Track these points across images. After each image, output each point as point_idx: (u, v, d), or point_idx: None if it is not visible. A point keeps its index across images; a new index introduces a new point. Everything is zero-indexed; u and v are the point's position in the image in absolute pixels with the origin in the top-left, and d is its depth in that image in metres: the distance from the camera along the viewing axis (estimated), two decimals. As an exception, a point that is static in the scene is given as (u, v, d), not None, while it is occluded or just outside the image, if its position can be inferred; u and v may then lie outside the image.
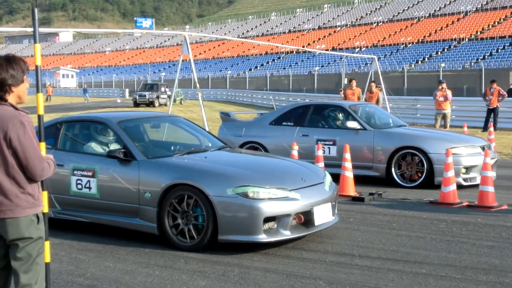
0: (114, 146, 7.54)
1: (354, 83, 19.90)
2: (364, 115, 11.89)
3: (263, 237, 6.38)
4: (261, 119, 12.77)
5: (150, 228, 6.86)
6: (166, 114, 9.98)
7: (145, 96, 47.73)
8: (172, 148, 8.06)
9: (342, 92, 20.16)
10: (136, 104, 47.55)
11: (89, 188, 7.30)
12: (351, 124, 11.45)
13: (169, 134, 8.93)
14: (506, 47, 47.61)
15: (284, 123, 12.23)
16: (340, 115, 12.00)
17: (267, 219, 6.39)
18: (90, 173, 7.30)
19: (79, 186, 7.38)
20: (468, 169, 10.56)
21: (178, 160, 7.23)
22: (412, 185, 10.66)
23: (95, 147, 7.71)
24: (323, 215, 6.87)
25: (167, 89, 49.82)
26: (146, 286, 5.53)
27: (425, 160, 10.53)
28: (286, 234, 6.50)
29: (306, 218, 6.65)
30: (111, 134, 7.71)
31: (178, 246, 6.67)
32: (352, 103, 12.72)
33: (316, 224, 6.76)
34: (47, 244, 4.04)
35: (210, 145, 8.18)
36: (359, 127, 11.40)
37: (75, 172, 7.42)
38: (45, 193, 4.07)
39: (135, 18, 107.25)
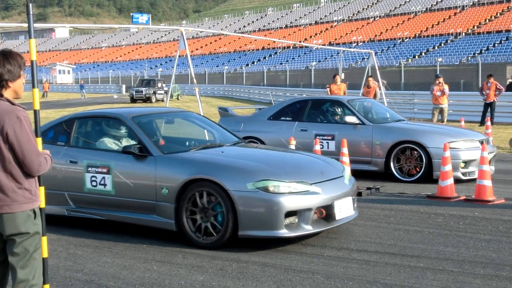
0: (128, 142, 7.45)
1: (338, 78, 19.94)
2: (362, 109, 11.88)
3: (284, 232, 6.26)
4: (259, 114, 12.75)
5: (168, 224, 6.73)
6: (179, 109, 9.84)
7: (142, 92, 47.64)
8: (187, 143, 7.98)
9: (329, 88, 20.20)
10: (133, 100, 47.45)
11: (104, 185, 7.17)
12: (350, 119, 11.44)
13: (183, 129, 8.79)
14: (503, 41, 47.62)
15: (282, 118, 12.21)
16: (339, 110, 12.00)
17: (288, 214, 6.27)
18: (105, 170, 7.17)
19: (94, 183, 7.25)
20: (467, 163, 10.55)
21: (195, 155, 7.10)
22: (411, 180, 10.66)
23: (109, 143, 7.59)
24: (344, 209, 6.79)
25: (164, 85, 49.78)
26: (144, 281, 5.53)
27: (423, 155, 10.53)
28: (308, 229, 6.40)
29: (327, 212, 6.57)
30: (125, 130, 7.59)
31: (197, 244, 6.53)
32: (351, 98, 12.69)
33: (337, 218, 6.68)
34: (44, 239, 4.03)
35: (225, 140, 8.04)
36: (357, 121, 11.39)
37: (90, 169, 7.28)
38: (42, 188, 4.06)
39: (131, 14, 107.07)
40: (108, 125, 7.82)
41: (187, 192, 6.57)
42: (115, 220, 7.24)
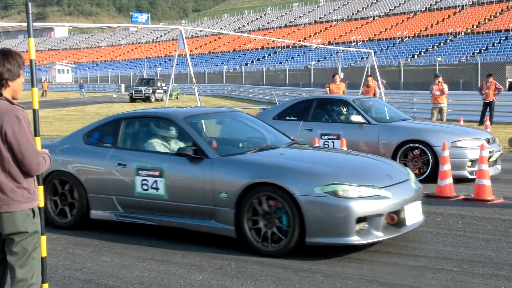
0: (180, 144, 7.06)
1: (337, 77, 19.92)
2: (367, 109, 11.77)
3: (355, 239, 5.92)
4: (264, 114, 12.57)
5: (227, 231, 6.37)
6: (228, 108, 9.31)
7: (141, 91, 47.67)
8: (240, 144, 7.50)
9: (328, 87, 20.20)
10: (133, 99, 47.51)
11: (156, 188, 6.79)
12: (355, 118, 11.35)
13: (231, 130, 8.31)
14: (502, 41, 47.62)
15: (287, 118, 12.10)
16: (344, 109, 11.91)
17: (359, 220, 5.92)
18: (157, 173, 6.79)
19: (145, 187, 6.88)
20: (473, 162, 10.41)
21: (255, 157, 6.73)
22: (418, 179, 10.60)
23: (160, 144, 7.22)
24: (414, 214, 6.45)
25: (163, 84, 49.78)
26: (143, 281, 5.53)
27: (430, 154, 10.43)
28: (379, 236, 6.04)
29: (398, 218, 6.22)
30: (176, 130, 7.21)
31: (260, 251, 6.16)
32: (356, 97, 12.61)
33: (407, 224, 6.32)
34: (43, 238, 4.03)
35: (277, 141, 7.65)
36: (363, 121, 11.31)
37: (140, 172, 6.91)
38: (41, 188, 4.06)
39: (130, 13, 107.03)
40: (157, 125, 7.43)
41: (248, 197, 6.21)
42: (168, 225, 6.88)
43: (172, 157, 6.84)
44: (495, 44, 47.36)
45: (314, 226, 5.91)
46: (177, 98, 50.38)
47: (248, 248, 6.37)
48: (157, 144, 7.22)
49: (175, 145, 7.13)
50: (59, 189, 7.59)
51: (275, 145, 7.41)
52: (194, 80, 13.24)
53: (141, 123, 7.65)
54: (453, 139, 10.26)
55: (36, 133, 4.08)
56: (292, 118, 12.11)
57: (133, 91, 48.32)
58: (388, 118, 11.89)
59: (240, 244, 6.49)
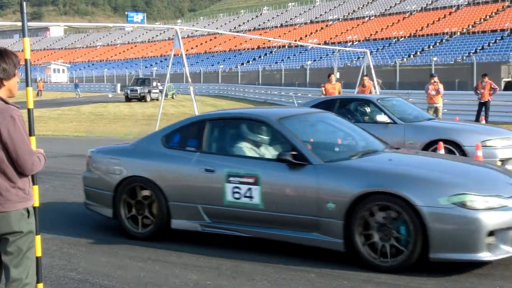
0: (275, 148, 6.55)
1: (333, 77, 19.93)
2: (392, 108, 11.49)
3: (485, 255, 5.37)
4: None
5: (335, 244, 5.81)
6: (316, 110, 8.63)
7: (136, 91, 47.58)
8: (336, 149, 6.96)
9: (323, 87, 20.20)
10: (128, 99, 47.44)
11: (250, 197, 6.20)
12: (381, 118, 11.15)
13: (318, 132, 7.50)
14: (497, 41, 47.71)
15: None
16: (368, 109, 11.71)
17: (489, 233, 5.39)
18: (251, 180, 6.20)
19: (237, 195, 6.29)
20: (504, 161, 10.19)
21: (364, 163, 6.21)
22: None
23: (251, 149, 6.66)
24: None
25: (158, 84, 49.73)
26: (139, 281, 5.52)
27: (459, 154, 10.15)
28: (509, 251, 5.47)
29: None
30: (269, 133, 6.70)
31: (374, 267, 5.63)
32: (380, 97, 12.32)
33: None
34: (38, 238, 4.02)
35: (370, 144, 7.03)
36: (388, 120, 11.11)
37: (231, 178, 6.32)
38: (36, 187, 4.05)
39: (126, 13, 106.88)
40: (248, 128, 6.88)
41: (360, 207, 5.65)
42: (263, 237, 6.28)
43: (269, 163, 6.31)
44: (491, 44, 47.45)
45: (439, 241, 5.39)
46: (172, 97, 50.34)
47: (242, 247, 6.35)
48: (248, 148, 6.67)
49: (269, 149, 6.63)
50: (135, 196, 6.99)
51: (374, 149, 6.83)
52: (189, 79, 13.23)
53: (229, 124, 7.08)
54: (482, 139, 10.03)
55: (31, 133, 4.07)
56: None
57: (129, 91, 48.22)
58: (413, 117, 11.61)
59: (233, 243, 6.47)
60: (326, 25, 75.83)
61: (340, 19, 76.02)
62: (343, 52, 55.83)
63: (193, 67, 70.18)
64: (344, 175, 5.93)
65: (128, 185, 7.00)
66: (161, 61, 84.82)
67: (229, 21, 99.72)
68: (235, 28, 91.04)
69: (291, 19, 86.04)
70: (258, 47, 76.21)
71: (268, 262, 5.99)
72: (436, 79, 18.78)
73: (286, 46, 70.61)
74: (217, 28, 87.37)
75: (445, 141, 10.31)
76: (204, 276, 5.62)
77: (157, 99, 47.90)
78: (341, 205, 5.72)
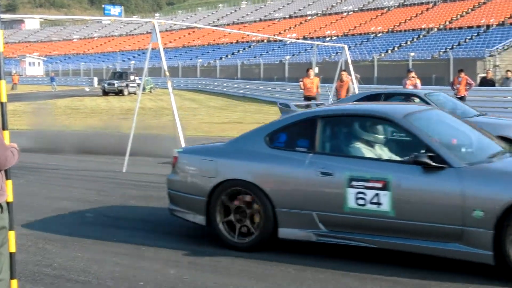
0: (404, 148, 5.92)
1: (311, 72, 20.05)
2: (439, 103, 11.03)
3: None
4: None
5: (481, 256, 5.20)
6: (426, 107, 7.81)
7: (114, 84, 47.28)
8: (467, 149, 6.13)
9: (302, 82, 20.29)
10: (105, 93, 47.11)
11: (378, 203, 5.58)
12: None
13: (442, 130, 6.59)
14: (474, 37, 48.10)
15: None
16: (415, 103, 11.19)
17: None
18: (379, 185, 5.57)
19: (361, 202, 5.65)
20: None
21: (510, 166, 5.63)
22: None
23: (374, 149, 6.09)
24: None
25: (136, 78, 49.45)
26: (115, 276, 5.47)
27: None
28: None
29: None
30: (394, 132, 6.18)
31: None
32: (427, 91, 11.81)
33: None
34: (11, 234, 3.96)
35: (490, 144, 6.34)
36: None
37: (354, 183, 5.67)
38: (9, 182, 3.99)
39: (103, 6, 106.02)
40: (368, 126, 6.30)
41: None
42: (392, 248, 5.67)
43: (399, 165, 5.66)
44: (467, 40, 47.83)
45: None
46: (150, 92, 50.08)
47: (220, 242, 6.31)
48: (370, 149, 6.09)
49: (395, 150, 6.08)
50: (233, 202, 6.27)
51: (500, 149, 6.17)
52: (167, 73, 13.10)
53: (345, 122, 6.41)
54: None
55: (4, 127, 4.00)
56: None
57: (106, 85, 47.91)
58: (461, 112, 11.05)
59: (212, 238, 6.44)
60: (305, 20, 75.94)
61: (319, 14, 76.17)
62: (322, 47, 55.94)
63: (172, 61, 69.84)
64: (492, 179, 5.35)
65: (225, 189, 6.25)
66: (139, 55, 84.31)
67: (208, 15, 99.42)
68: (213, 22, 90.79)
69: (270, 13, 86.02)
70: (237, 42, 76.09)
71: (246, 256, 5.98)
72: (413, 74, 18.87)
73: (265, 41, 70.59)
74: (195, 22, 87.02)
75: (502, 138, 10.02)
76: (182, 270, 5.59)
77: (135, 93, 47.61)
78: (490, 213, 5.13)
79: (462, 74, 22.29)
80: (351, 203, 5.69)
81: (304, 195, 5.95)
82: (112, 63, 77.34)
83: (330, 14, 74.56)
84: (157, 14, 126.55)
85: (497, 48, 40.78)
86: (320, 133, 6.14)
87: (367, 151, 6.02)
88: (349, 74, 20.46)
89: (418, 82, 18.81)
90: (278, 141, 6.36)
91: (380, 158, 5.93)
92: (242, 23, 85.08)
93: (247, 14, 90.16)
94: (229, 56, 70.73)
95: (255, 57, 64.64)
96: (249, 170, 6.21)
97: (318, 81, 20.20)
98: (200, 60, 68.72)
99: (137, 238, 6.71)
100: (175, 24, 74.66)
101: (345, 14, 71.97)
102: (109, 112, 30.81)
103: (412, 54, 42.91)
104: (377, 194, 5.58)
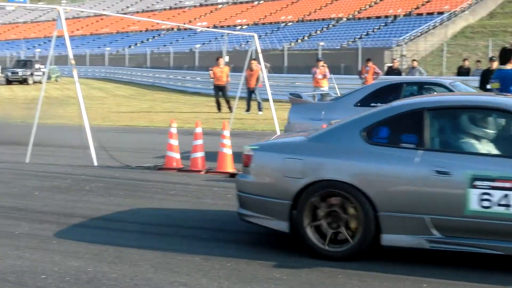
0: (491, 143, 5.47)
1: (221, 61, 20.20)
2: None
3: None
4: (343, 100, 11.24)
5: None
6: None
7: (18, 73, 45.91)
8: None
9: (211, 71, 20.38)
10: (9, 82, 45.57)
11: (507, 205, 5.03)
12: None
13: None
14: (382, 27, 49.41)
15: (372, 104, 10.30)
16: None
17: None
18: (509, 184, 5.03)
19: (486, 203, 5.08)
20: None
21: None
22: None
23: (499, 146, 5.47)
24: None
25: (42, 66, 48.00)
26: (15, 269, 5.27)
27: None
28: None
29: None
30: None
31: None
32: (451, 81, 11.54)
33: None
34: None
35: None
36: None
37: (477, 183, 5.10)
38: None
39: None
40: (486, 118, 5.70)
41: None
42: None
43: None
44: (375, 30, 49.10)
45: None
46: (56, 80, 48.74)
47: (125, 234, 6.20)
48: (491, 145, 5.51)
49: (501, 143, 5.50)
50: (324, 206, 5.57)
51: None
52: (73, 62, 12.73)
53: (457, 115, 5.72)
54: None
55: None
56: (379, 104, 10.23)
57: (10, 73, 46.43)
58: None
59: (119, 231, 6.31)
60: (216, 9, 75.78)
61: (230, 3, 76.17)
62: (232, 36, 56.01)
63: (79, 49, 68.00)
64: None
65: (315, 191, 5.54)
66: (44, 43, 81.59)
67: (117, 2, 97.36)
68: (122, 9, 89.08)
69: (180, 1, 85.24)
70: (147, 30, 75.00)
71: (152, 247, 5.90)
72: (322, 63, 19.26)
73: (175, 29, 69.96)
74: (103, 10, 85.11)
75: None
76: (85, 262, 5.44)
77: (40, 82, 46.19)
78: None
79: (370, 63, 22.92)
80: (474, 205, 5.13)
81: (415, 197, 5.32)
82: (16, 51, 74.62)
83: (241, 2, 74.69)
84: (64, 1, 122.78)
85: (404, 38, 42.16)
86: (429, 127, 5.49)
87: (488, 147, 5.48)
88: (259, 63, 20.64)
89: (327, 71, 19.19)
90: (378, 137, 5.68)
91: (507, 155, 5.27)
92: (152, 10, 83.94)
93: (157, 2, 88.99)
94: (138, 45, 69.64)
95: (164, 45, 63.95)
96: (345, 170, 5.50)
97: (228, 70, 20.29)
98: (108, 49, 67.29)
99: (40, 231, 6.50)
100: (82, 12, 72.81)
101: (256, 3, 72.29)
102: (13, 101, 29.75)
103: (322, 43, 43.64)
104: (506, 195, 5.05)
